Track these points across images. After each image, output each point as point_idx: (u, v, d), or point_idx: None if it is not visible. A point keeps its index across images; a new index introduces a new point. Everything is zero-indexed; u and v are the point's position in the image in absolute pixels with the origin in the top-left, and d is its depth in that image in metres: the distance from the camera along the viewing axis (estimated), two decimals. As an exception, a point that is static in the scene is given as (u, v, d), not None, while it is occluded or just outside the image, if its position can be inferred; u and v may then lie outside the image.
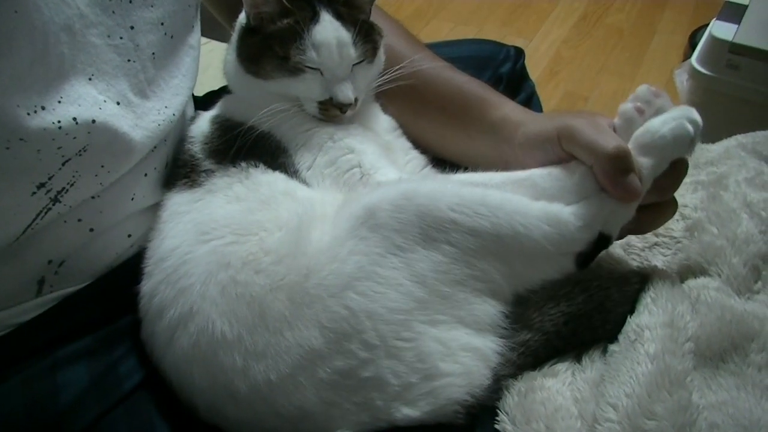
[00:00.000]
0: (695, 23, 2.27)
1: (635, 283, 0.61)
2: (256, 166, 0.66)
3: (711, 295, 0.60)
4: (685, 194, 0.73)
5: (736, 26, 1.36)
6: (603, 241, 0.60)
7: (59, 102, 0.54)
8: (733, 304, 0.59)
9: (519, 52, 0.96)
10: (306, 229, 0.61)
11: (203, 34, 0.75)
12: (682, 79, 1.47)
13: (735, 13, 1.40)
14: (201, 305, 0.57)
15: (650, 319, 0.56)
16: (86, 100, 0.57)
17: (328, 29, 0.68)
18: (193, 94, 0.91)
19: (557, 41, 2.41)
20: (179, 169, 0.69)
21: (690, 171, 0.78)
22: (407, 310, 0.55)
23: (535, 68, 2.26)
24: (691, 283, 0.63)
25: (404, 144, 0.78)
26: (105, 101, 0.59)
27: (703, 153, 0.82)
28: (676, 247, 0.69)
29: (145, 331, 0.62)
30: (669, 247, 0.69)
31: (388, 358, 0.54)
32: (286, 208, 0.63)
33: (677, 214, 0.68)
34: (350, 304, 0.55)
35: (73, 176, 0.58)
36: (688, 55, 1.75)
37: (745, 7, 1.42)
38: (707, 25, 1.49)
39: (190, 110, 0.79)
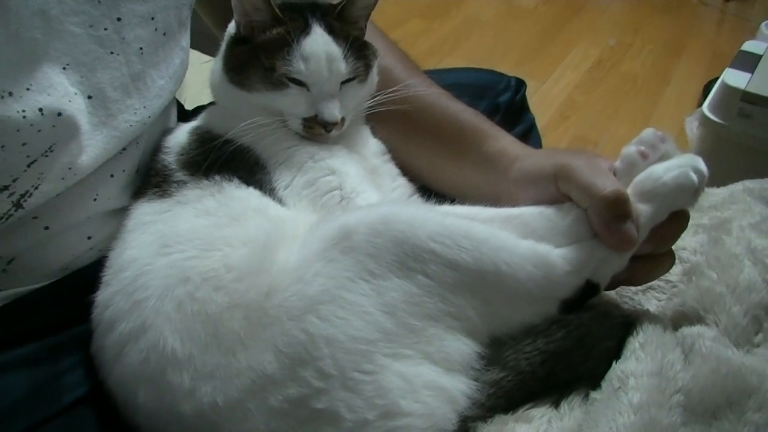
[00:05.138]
0: (710, 74, 2.25)
1: (617, 317, 0.57)
2: (230, 181, 0.63)
3: (706, 345, 0.55)
4: (684, 237, 0.68)
5: (750, 75, 1.34)
6: (591, 289, 0.56)
7: (27, 89, 0.52)
8: (730, 356, 0.54)
9: (520, 83, 0.93)
10: (273, 248, 0.57)
11: (205, 51, 0.73)
12: (692, 127, 1.44)
13: (749, 62, 1.39)
14: (155, 320, 0.54)
15: (637, 366, 0.51)
16: (57, 90, 0.55)
17: (319, 42, 0.65)
18: (183, 107, 0.89)
19: (570, 85, 2.40)
20: (150, 179, 0.66)
21: (692, 214, 0.74)
22: (371, 341, 0.51)
23: (545, 111, 2.25)
24: (686, 331, 0.58)
25: (392, 170, 0.75)
26: (76, 93, 0.57)
27: (707, 197, 0.78)
28: (671, 292, 0.64)
29: (95, 344, 0.58)
30: (664, 292, 0.65)
31: (343, 390, 0.49)
32: (256, 224, 0.60)
33: (674, 256, 0.64)
34: (310, 329, 0.51)
35: (39, 178, 0.55)
36: (701, 106, 1.72)
37: (760, 56, 1.39)
38: (722, 76, 1.47)
39: (173, 120, 0.76)
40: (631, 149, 0.59)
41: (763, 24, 2.08)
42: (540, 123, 2.28)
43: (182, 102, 0.98)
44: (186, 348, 0.52)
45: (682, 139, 1.64)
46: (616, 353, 0.55)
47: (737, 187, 0.79)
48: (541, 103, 2.29)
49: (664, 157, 0.59)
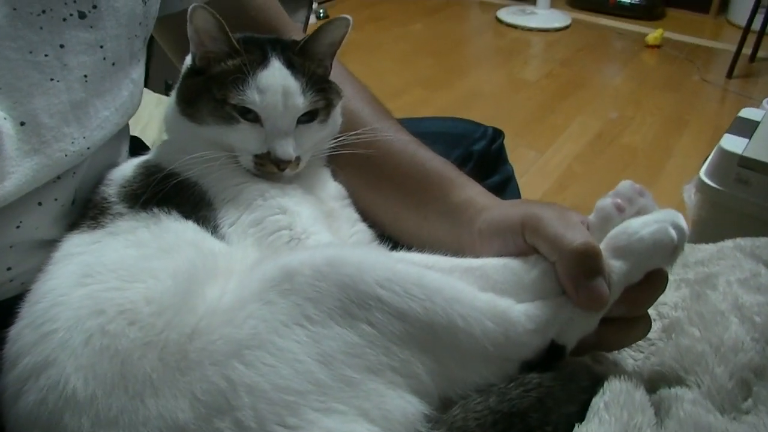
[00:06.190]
0: (712, 149, 2.23)
1: (584, 380, 0.50)
2: (168, 214, 0.59)
3: (685, 409, 0.48)
4: (665, 291, 0.62)
5: (747, 141, 1.31)
6: (556, 352, 0.51)
7: None
8: (712, 422, 0.47)
9: (497, 133, 0.90)
10: (200, 282, 0.52)
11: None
12: (690, 194, 1.40)
13: (746, 128, 1.36)
14: (59, 355, 0.48)
15: (599, 428, 0.44)
16: None
17: (276, 76, 0.62)
18: (143, 143, 0.86)
19: (569, 156, 2.38)
20: (88, 211, 0.62)
21: (676, 270, 0.68)
22: (300, 392, 0.45)
23: (544, 180, 2.22)
24: (663, 392, 0.51)
25: (351, 215, 0.70)
26: (5, 119, 0.53)
27: (694, 252, 0.72)
28: (649, 350, 0.58)
29: (1, 382, 0.52)
30: (641, 350, 0.58)
31: None
32: (185, 257, 0.55)
33: (653, 311, 0.58)
34: (231, 375, 0.45)
35: None
36: (700, 177, 1.68)
37: (757, 123, 1.37)
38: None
39: (123, 155, 0.72)
40: (606, 201, 0.54)
41: (765, 101, 2.08)
42: (538, 192, 2.25)
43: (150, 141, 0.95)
44: (89, 388, 0.46)
45: (680, 210, 1.59)
46: (579, 418, 0.48)
47: (727, 243, 0.74)
48: (540, 173, 2.26)
49: (641, 212, 0.54)
